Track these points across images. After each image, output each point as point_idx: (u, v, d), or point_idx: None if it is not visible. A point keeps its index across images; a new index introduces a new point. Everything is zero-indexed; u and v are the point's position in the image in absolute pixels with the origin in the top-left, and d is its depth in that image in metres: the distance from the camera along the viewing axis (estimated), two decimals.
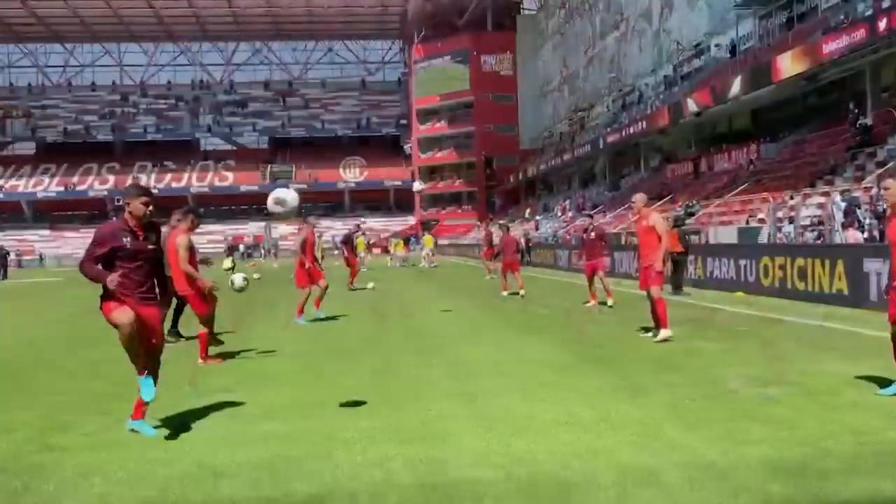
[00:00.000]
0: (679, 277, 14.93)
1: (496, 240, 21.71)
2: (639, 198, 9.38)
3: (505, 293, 16.05)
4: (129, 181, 72.49)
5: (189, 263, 8.07)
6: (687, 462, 4.08)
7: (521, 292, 15.35)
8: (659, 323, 8.67)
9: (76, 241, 67.58)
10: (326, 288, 12.00)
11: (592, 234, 13.69)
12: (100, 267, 4.88)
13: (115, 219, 5.21)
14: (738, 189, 25.77)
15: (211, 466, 4.33)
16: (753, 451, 4.21)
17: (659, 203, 31.45)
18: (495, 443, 4.61)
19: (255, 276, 19.83)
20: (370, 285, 19.24)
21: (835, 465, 3.94)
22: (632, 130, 38.84)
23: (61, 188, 73.76)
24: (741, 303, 12.85)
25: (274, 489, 3.93)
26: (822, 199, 18.52)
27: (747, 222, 21.50)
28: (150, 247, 5.13)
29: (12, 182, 74.65)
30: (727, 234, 20.62)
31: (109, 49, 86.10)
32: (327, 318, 12.06)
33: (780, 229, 17.91)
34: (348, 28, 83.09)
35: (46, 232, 69.53)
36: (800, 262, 12.80)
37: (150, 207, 5.08)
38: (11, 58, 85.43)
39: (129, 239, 4.99)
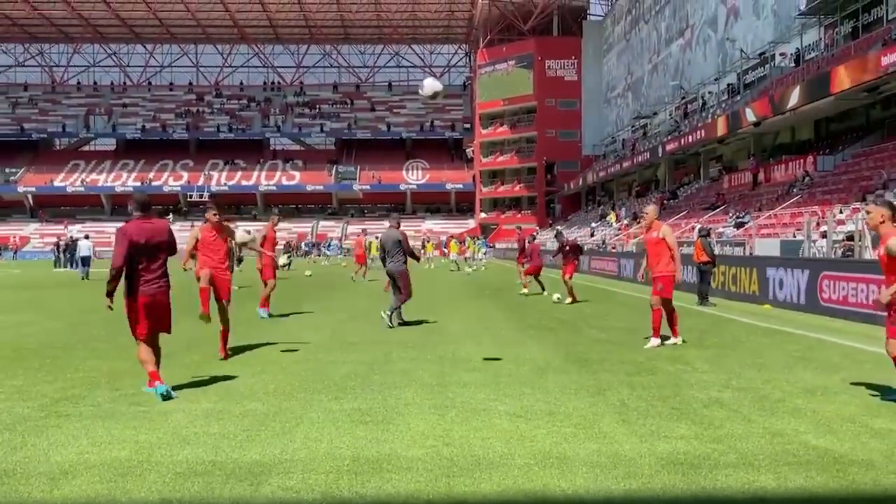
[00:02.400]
0: (705, 287, 14.97)
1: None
2: (650, 209, 9.60)
3: (525, 291, 17.79)
4: (202, 179, 74.94)
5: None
6: (599, 451, 4.45)
7: (561, 298, 15.54)
8: (655, 330, 8.92)
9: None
10: (273, 287, 12.58)
11: (567, 246, 16.35)
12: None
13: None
14: (791, 201, 25.36)
15: (183, 435, 4.92)
16: (665, 446, 4.54)
17: (711, 213, 31.15)
18: (439, 428, 5.05)
19: (307, 273, 20.71)
20: (307, 273, 19.76)
21: (731, 460, 4.25)
22: (690, 139, 38.44)
23: (138, 183, 77.09)
24: (762, 315, 12.87)
25: (227, 455, 4.47)
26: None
27: (794, 235, 21.20)
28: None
29: (93, 176, 78.38)
30: (771, 247, 20.38)
31: (187, 50, 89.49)
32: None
33: (814, 243, 17.66)
34: (415, 32, 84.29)
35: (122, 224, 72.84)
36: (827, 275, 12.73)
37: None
38: (96, 57, 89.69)
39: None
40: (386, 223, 44.32)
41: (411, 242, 11.97)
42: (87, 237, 31.08)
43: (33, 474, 4.14)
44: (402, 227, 11.93)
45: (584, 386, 6.49)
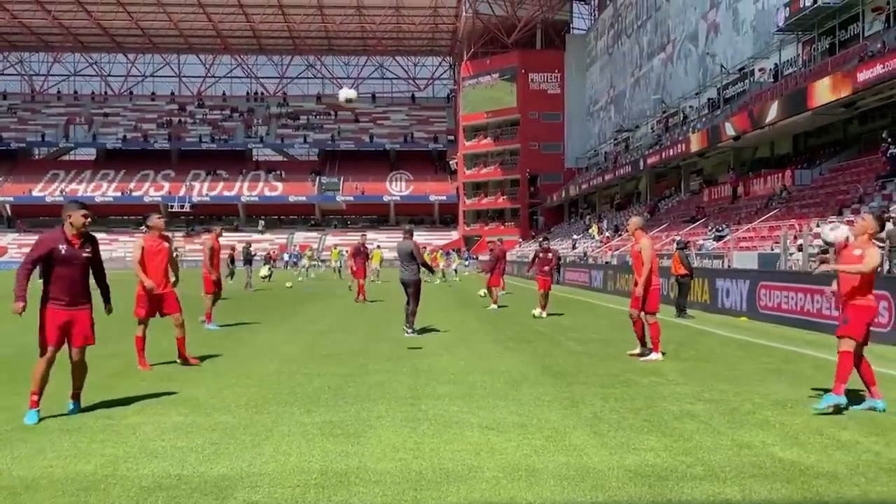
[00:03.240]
0: (683, 300, 15.06)
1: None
2: (633, 221, 9.67)
3: (494, 306, 17.25)
4: (183, 189, 74.23)
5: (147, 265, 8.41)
6: (569, 463, 4.45)
7: (540, 313, 15.15)
8: (645, 344, 8.95)
9: (130, 245, 69.97)
10: (214, 300, 12.77)
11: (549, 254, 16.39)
12: (27, 282, 5.60)
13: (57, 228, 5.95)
14: (769, 214, 25.61)
15: (150, 449, 4.86)
16: (634, 458, 4.55)
17: (692, 226, 31.39)
18: (410, 441, 5.03)
19: (288, 285, 20.57)
20: (287, 284, 21.18)
21: (699, 472, 4.27)
22: (671, 153, 38.78)
23: (118, 193, 76.48)
24: (739, 327, 12.96)
25: (193, 469, 4.42)
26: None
27: (772, 248, 21.40)
28: (85, 255, 5.85)
29: (73, 186, 77.66)
30: (748, 260, 20.56)
31: (169, 60, 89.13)
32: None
33: (790, 256, 17.83)
34: (399, 45, 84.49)
35: (103, 235, 72.10)
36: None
37: (88, 220, 5.86)
38: (77, 66, 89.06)
39: (64, 247, 5.73)
40: (369, 234, 44.46)
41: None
42: None
43: None
44: (414, 238, 12.09)
45: (557, 398, 6.50)
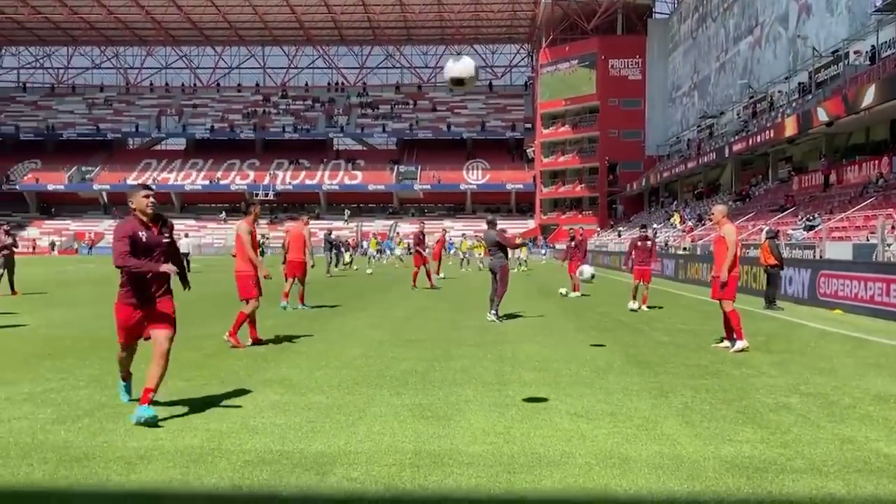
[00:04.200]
0: (772, 291, 14.59)
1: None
2: (718, 209, 9.44)
3: (576, 293, 17.78)
4: (267, 178, 76.24)
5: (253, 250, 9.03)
6: (662, 452, 4.42)
7: (638, 306, 14.22)
8: (733, 334, 8.76)
9: (218, 232, 72.50)
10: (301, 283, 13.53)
11: (649, 243, 15.03)
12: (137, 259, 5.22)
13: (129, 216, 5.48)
14: (864, 203, 24.49)
15: (251, 425, 5.07)
16: (730, 449, 4.47)
17: (780, 215, 30.30)
18: (499, 425, 5.09)
19: (368, 271, 20.96)
20: (368, 271, 21.68)
21: (799, 465, 4.16)
22: (759, 139, 37.47)
23: (206, 182, 79.14)
24: (833, 320, 12.48)
25: (293, 446, 4.60)
26: None
27: (867, 238, 20.47)
28: (165, 240, 5.45)
29: (164, 174, 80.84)
30: (843, 250, 19.73)
31: (254, 52, 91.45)
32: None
33: (888, 246, 17.01)
34: (477, 33, 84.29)
35: (192, 222, 74.93)
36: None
37: (152, 199, 5.42)
38: (168, 60, 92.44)
39: (144, 234, 5.34)
40: (446, 222, 44.88)
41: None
42: (186, 235, 32.16)
43: (111, 458, 4.33)
44: (497, 227, 12.28)
45: (645, 388, 6.43)
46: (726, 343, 8.89)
